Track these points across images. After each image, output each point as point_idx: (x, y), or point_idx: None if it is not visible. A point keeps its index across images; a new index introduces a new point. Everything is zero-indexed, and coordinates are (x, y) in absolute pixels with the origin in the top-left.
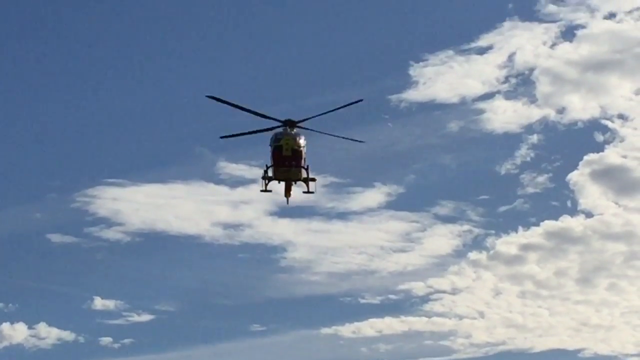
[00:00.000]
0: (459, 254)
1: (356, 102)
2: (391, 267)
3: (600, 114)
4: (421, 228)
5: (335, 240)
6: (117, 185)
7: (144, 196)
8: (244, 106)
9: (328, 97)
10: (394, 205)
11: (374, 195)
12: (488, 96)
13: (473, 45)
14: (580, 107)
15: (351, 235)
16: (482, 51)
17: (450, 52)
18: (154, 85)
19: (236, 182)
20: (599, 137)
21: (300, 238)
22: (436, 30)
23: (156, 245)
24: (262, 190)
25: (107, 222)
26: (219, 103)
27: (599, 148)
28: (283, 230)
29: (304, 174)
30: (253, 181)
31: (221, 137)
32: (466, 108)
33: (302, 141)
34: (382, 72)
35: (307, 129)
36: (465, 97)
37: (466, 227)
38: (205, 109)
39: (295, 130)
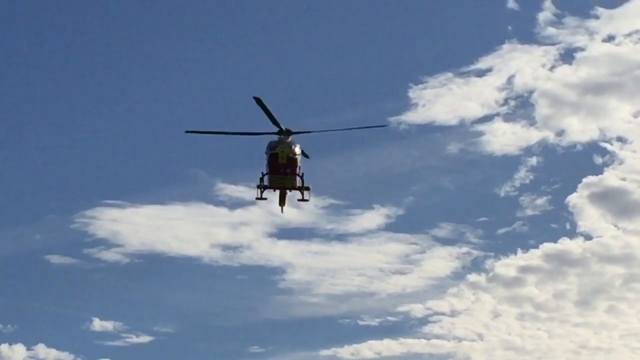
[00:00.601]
0: (458, 276)
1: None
2: (390, 289)
3: (599, 137)
4: (420, 250)
5: (335, 262)
6: (116, 207)
7: (143, 217)
8: (227, 131)
9: (328, 119)
10: (393, 227)
11: (373, 217)
12: (487, 118)
13: (472, 67)
14: (579, 129)
15: (350, 257)
16: (481, 73)
17: (450, 75)
18: (154, 107)
19: (235, 204)
20: (598, 160)
21: (299, 260)
22: (435, 52)
23: (155, 266)
24: (257, 198)
25: (106, 244)
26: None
27: (598, 170)
28: (282, 251)
29: (298, 182)
30: (252, 203)
31: (186, 132)
32: (465, 130)
33: (297, 149)
34: (381, 94)
35: (305, 132)
36: (464, 119)
37: (465, 249)
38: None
39: (290, 138)
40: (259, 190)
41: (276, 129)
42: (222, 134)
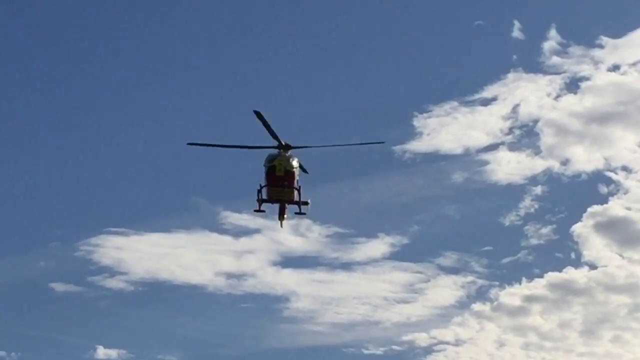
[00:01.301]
0: (463, 305)
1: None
2: (395, 317)
3: (605, 166)
4: (425, 279)
5: (339, 291)
6: (121, 235)
7: (147, 245)
8: (228, 144)
9: (331, 148)
10: (398, 256)
11: (378, 246)
12: (492, 147)
13: (477, 96)
14: (584, 158)
15: (355, 286)
16: (486, 102)
17: (455, 103)
18: (158, 136)
19: (240, 232)
20: (603, 189)
21: (303, 288)
22: (440, 81)
23: (159, 294)
24: (255, 211)
25: (110, 271)
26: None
27: (603, 200)
28: (286, 280)
29: (296, 195)
30: (257, 231)
31: (188, 144)
32: (470, 159)
33: (295, 162)
34: (386, 123)
35: (303, 146)
36: (469, 148)
37: (470, 278)
38: (208, 158)
39: (289, 152)
40: (257, 203)
41: (276, 143)
42: (223, 147)
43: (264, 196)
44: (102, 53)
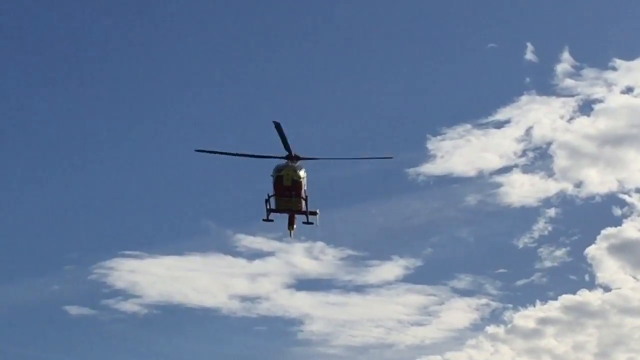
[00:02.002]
0: (477, 327)
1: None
2: (409, 340)
3: (618, 188)
4: (439, 301)
5: (353, 314)
6: (134, 257)
7: (161, 268)
8: (236, 152)
9: (345, 169)
10: (412, 278)
11: (392, 269)
12: (505, 170)
13: (491, 119)
14: (597, 181)
15: (369, 309)
16: (499, 125)
17: (468, 126)
18: (172, 158)
19: (254, 255)
20: (617, 211)
21: (317, 311)
22: (454, 104)
23: (173, 317)
24: (264, 220)
25: (124, 294)
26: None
27: (617, 222)
28: (300, 303)
29: (304, 205)
30: (270, 253)
31: (196, 150)
32: (484, 182)
33: (302, 173)
34: (399, 145)
35: (311, 158)
36: (482, 171)
37: (484, 300)
38: (222, 182)
39: (297, 163)
40: (266, 212)
41: (285, 154)
42: (232, 155)
43: (272, 206)
44: (118, 81)
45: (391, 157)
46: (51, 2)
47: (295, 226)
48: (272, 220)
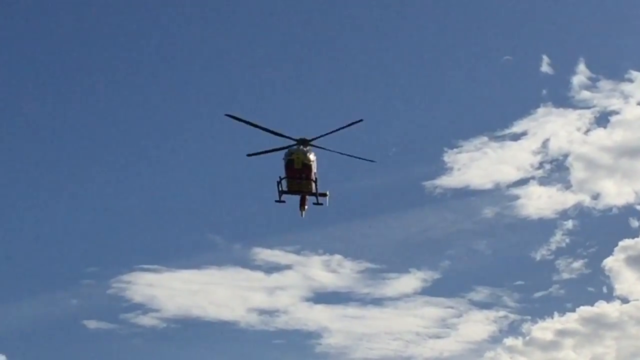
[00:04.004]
0: (495, 340)
1: (357, 121)
2: (427, 353)
3: (635, 200)
4: (457, 314)
5: (371, 326)
6: (153, 271)
7: (179, 282)
8: (261, 125)
9: (362, 182)
10: (430, 291)
11: (410, 281)
12: (522, 182)
13: (507, 131)
14: (614, 192)
15: (387, 321)
16: (516, 137)
17: (485, 139)
18: (190, 173)
19: (271, 268)
20: (634, 223)
21: (335, 324)
22: (470, 116)
23: (192, 331)
24: (276, 201)
25: (143, 308)
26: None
27: (634, 233)
28: (318, 316)
29: (314, 187)
30: (288, 267)
31: (248, 155)
32: (501, 194)
33: (312, 156)
34: (416, 158)
35: (319, 147)
36: (499, 183)
37: (502, 313)
38: (239, 196)
39: (307, 147)
40: (278, 193)
41: (297, 137)
42: (259, 127)
43: (284, 188)
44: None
45: (374, 161)
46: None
47: (306, 207)
48: (284, 202)
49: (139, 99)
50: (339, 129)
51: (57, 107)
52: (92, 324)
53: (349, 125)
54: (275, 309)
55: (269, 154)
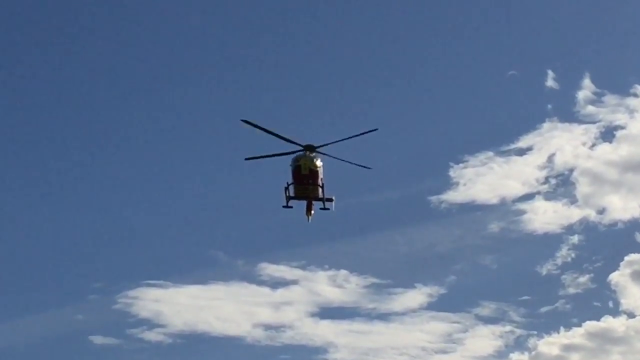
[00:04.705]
0: (501, 354)
1: (371, 130)
2: None
3: None
4: (463, 329)
5: (377, 342)
6: (159, 287)
7: (185, 297)
8: (273, 131)
9: (368, 197)
10: (435, 306)
11: (415, 296)
12: (528, 197)
13: (513, 146)
14: (620, 207)
15: (392, 336)
16: (521, 152)
17: (490, 154)
18: (195, 188)
19: (277, 283)
20: None
21: (341, 339)
22: (476, 131)
23: (198, 346)
24: (284, 206)
25: (149, 324)
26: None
27: None
28: (324, 331)
29: (320, 192)
30: (294, 282)
31: (246, 159)
32: (506, 209)
33: (318, 162)
34: (422, 173)
35: (325, 154)
36: (505, 198)
37: (508, 327)
38: (245, 212)
39: (313, 154)
40: (285, 198)
41: (303, 144)
42: (271, 133)
43: (291, 193)
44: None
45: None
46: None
47: (313, 212)
48: (291, 207)
49: (145, 114)
50: (351, 137)
51: (62, 122)
52: (98, 340)
53: (363, 133)
54: (281, 324)
55: (268, 158)
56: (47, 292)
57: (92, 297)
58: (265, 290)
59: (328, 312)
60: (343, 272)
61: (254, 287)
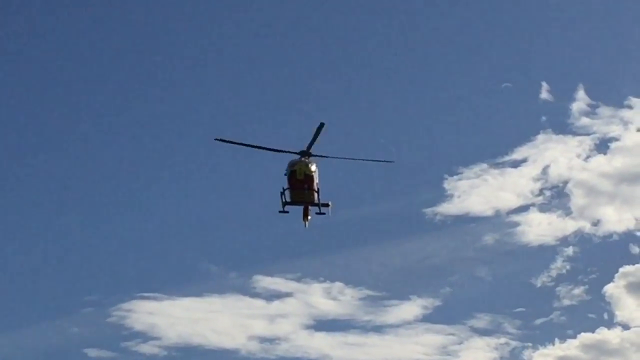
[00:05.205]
0: None
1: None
2: None
3: (635, 226)
4: (458, 341)
5: (372, 354)
6: (153, 299)
7: (180, 310)
8: (254, 144)
9: (363, 209)
10: (430, 318)
11: (410, 308)
12: (523, 209)
13: (507, 158)
14: (615, 219)
15: (387, 348)
16: (516, 164)
17: (485, 166)
18: (189, 199)
19: (272, 296)
20: (635, 249)
21: (336, 351)
22: (470, 143)
23: (193, 359)
24: (280, 212)
25: (144, 337)
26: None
27: (635, 260)
28: (319, 343)
29: (316, 197)
30: (289, 294)
31: (215, 139)
32: (501, 221)
33: (313, 167)
34: (416, 185)
35: (322, 156)
36: (499, 210)
37: (503, 339)
38: (240, 222)
39: (309, 159)
40: (282, 203)
41: (298, 150)
42: (250, 146)
43: (287, 199)
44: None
45: (392, 162)
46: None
47: (310, 217)
48: (287, 212)
49: (135, 125)
50: (365, 160)
51: (56, 137)
52: (93, 352)
53: (378, 161)
54: (276, 337)
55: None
56: (41, 304)
57: (87, 310)
58: (260, 302)
59: (323, 325)
60: (338, 284)
61: (248, 300)
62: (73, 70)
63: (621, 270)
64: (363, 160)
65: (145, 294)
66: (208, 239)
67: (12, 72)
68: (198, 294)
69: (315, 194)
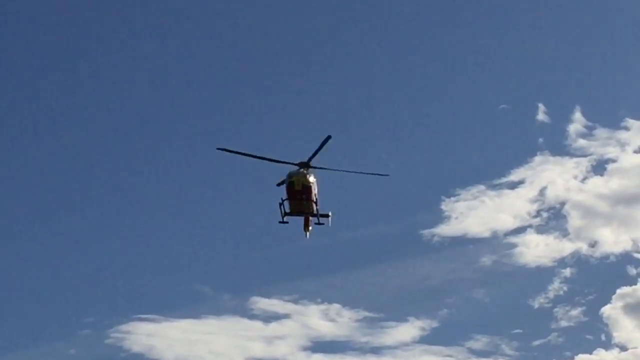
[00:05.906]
0: None
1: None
2: None
3: (633, 248)
4: None
5: None
6: (151, 321)
7: (177, 331)
8: (255, 154)
9: (361, 232)
10: (428, 339)
11: (408, 330)
12: (520, 230)
13: (504, 180)
14: (612, 240)
15: None
16: (513, 186)
17: (482, 187)
18: (187, 222)
19: (270, 317)
20: (632, 271)
21: None
22: (467, 165)
23: None
24: (280, 222)
25: (142, 358)
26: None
27: (632, 281)
28: None
29: (314, 208)
30: (286, 316)
31: (217, 149)
32: (498, 242)
33: (311, 178)
34: (414, 207)
35: (321, 167)
36: (497, 232)
37: None
38: (236, 245)
39: (308, 170)
40: (281, 214)
41: (298, 161)
42: (252, 157)
43: (286, 209)
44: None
45: (387, 175)
46: None
47: (310, 227)
48: (287, 222)
49: (132, 142)
50: (361, 172)
51: (48, 151)
52: None
53: (374, 174)
54: (274, 359)
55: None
56: (39, 327)
57: (85, 332)
58: (258, 324)
59: (321, 346)
60: (335, 305)
61: (246, 321)
62: (76, 78)
63: (618, 291)
64: (359, 172)
65: (143, 316)
66: (206, 261)
67: (12, 72)
68: (196, 315)
69: (314, 205)
